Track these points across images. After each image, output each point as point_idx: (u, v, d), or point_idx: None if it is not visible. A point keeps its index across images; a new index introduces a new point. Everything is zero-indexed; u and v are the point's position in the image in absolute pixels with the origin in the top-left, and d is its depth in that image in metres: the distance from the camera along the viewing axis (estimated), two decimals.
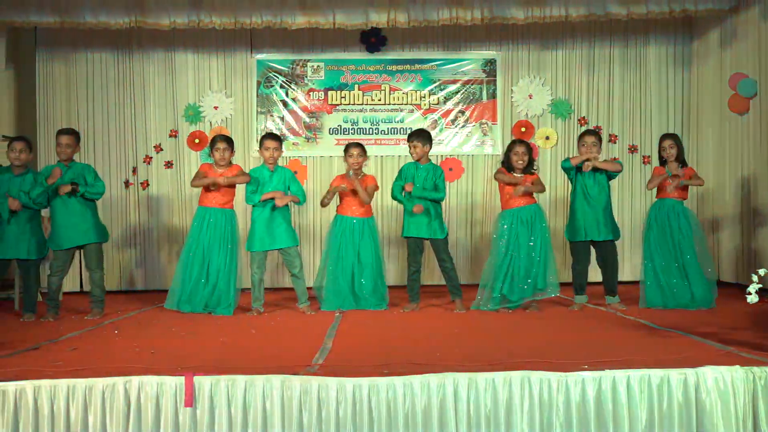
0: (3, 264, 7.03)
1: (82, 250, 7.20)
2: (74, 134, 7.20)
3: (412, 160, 7.48)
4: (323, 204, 7.52)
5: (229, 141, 7.39)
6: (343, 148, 7.68)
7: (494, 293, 7.02)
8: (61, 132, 7.20)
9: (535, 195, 7.22)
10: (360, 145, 7.56)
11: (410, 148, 7.45)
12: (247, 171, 7.54)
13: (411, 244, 7.39)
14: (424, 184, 7.29)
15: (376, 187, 7.59)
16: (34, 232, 7.04)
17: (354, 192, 7.39)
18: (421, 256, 7.43)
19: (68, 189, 6.91)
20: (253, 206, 7.31)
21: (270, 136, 7.57)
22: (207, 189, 7.26)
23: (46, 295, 7.19)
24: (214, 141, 7.39)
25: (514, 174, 7.15)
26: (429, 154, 7.50)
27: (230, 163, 7.38)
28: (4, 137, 9.30)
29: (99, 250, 7.14)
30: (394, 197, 7.53)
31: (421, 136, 7.44)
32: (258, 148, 7.82)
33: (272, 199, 7.20)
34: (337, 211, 7.60)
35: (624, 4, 8.55)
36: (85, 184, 7.01)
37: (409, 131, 9.61)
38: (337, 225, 7.50)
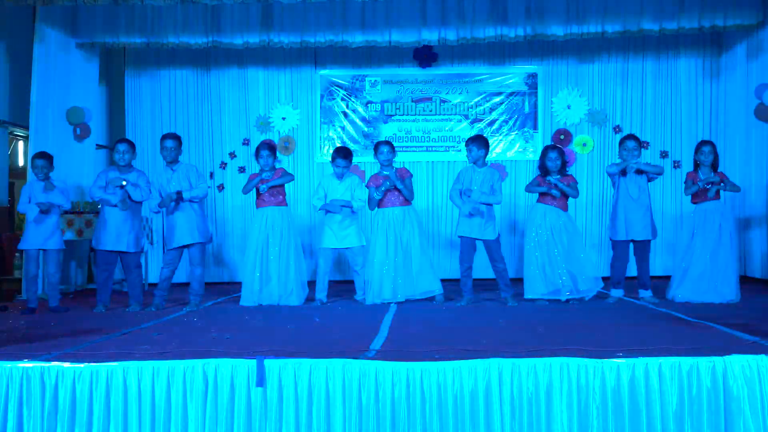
0: (108, 255, 6.93)
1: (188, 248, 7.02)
2: (177, 138, 7.05)
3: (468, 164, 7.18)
4: (372, 209, 7.35)
5: (272, 148, 7.37)
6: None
7: (534, 284, 6.91)
8: (165, 137, 7.06)
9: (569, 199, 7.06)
10: (388, 143, 7.35)
11: (467, 153, 7.13)
12: (321, 176, 7.46)
13: (465, 242, 7.08)
14: (481, 186, 6.95)
15: (411, 175, 7.32)
16: (134, 227, 6.95)
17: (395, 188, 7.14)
18: (474, 254, 7.11)
19: (173, 200, 6.80)
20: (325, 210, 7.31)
21: (339, 153, 7.38)
22: (258, 194, 7.25)
23: (154, 286, 7.08)
24: (258, 149, 7.32)
25: (550, 178, 6.95)
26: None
27: (274, 167, 7.34)
28: (98, 146, 9.51)
29: (202, 249, 7.05)
30: (451, 200, 7.24)
31: (476, 141, 7.10)
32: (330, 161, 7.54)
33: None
34: (377, 205, 7.28)
35: (657, 20, 8.39)
36: (189, 187, 6.90)
37: (458, 139, 9.55)
38: (379, 218, 7.23)
